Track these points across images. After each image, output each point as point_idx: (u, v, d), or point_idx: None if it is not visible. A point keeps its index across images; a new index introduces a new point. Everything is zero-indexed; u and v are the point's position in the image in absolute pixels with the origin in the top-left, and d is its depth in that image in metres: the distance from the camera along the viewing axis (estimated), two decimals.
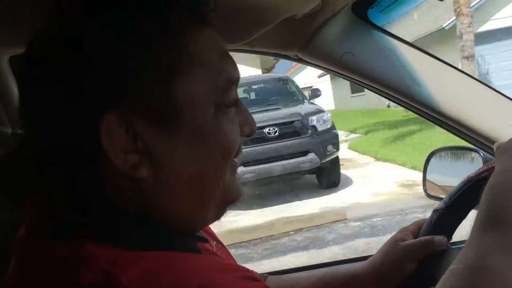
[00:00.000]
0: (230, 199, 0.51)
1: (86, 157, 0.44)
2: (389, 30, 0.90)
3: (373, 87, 0.90)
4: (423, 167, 0.98)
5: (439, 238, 0.72)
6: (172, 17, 0.45)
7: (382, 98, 0.98)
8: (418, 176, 5.68)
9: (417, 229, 0.77)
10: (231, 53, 0.52)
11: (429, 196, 0.97)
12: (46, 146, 0.45)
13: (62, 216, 0.44)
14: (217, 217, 0.51)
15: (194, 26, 0.47)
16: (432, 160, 0.98)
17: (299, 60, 0.92)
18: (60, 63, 0.43)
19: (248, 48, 0.87)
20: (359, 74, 0.88)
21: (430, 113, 0.89)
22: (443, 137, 6.99)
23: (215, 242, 0.63)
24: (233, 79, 0.48)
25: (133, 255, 0.41)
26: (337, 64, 0.88)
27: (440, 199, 1.02)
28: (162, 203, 0.46)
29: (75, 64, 0.42)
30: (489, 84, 0.90)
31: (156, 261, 0.42)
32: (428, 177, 0.98)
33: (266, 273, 0.86)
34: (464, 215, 0.73)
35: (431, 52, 0.90)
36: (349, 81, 0.92)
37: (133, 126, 0.43)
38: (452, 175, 0.91)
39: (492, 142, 0.80)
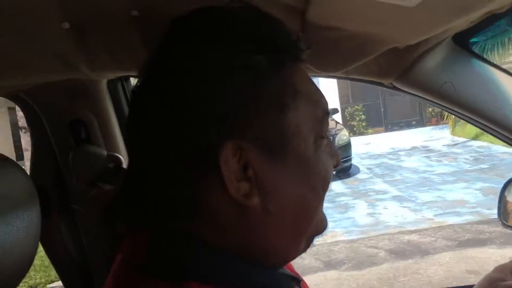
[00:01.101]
0: (320, 230, 0.51)
1: (197, 191, 0.44)
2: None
3: (474, 119, 0.86)
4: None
5: None
6: (279, 53, 0.47)
7: None
8: None
9: None
10: None
11: (506, 226, 0.90)
12: (160, 178, 0.45)
13: (166, 254, 0.44)
14: (306, 248, 0.51)
15: (293, 61, 0.48)
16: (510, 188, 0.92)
17: (394, 88, 0.89)
18: (184, 97, 0.44)
19: (343, 75, 0.86)
20: (459, 105, 0.84)
21: None
22: None
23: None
24: (327, 111, 0.50)
25: None
26: (436, 94, 0.85)
27: None
28: (265, 232, 0.46)
29: (198, 98, 0.43)
30: None
31: None
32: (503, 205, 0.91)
33: None
34: None
35: None
36: (449, 112, 0.88)
37: (246, 155, 0.43)
38: None
39: None
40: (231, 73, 0.44)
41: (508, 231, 0.92)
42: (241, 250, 0.45)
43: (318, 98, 0.49)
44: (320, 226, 0.51)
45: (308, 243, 0.50)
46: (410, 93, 0.89)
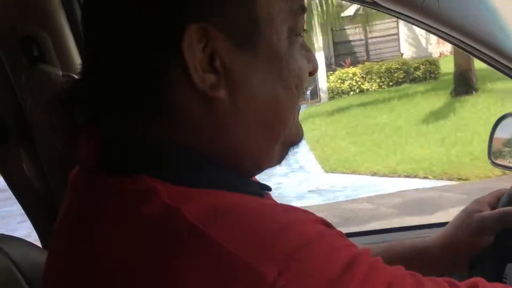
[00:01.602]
0: (295, 139, 0.49)
1: (159, 78, 0.41)
2: None
3: (456, 38, 0.80)
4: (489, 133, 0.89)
5: None
6: None
7: None
8: None
9: (495, 199, 0.71)
10: None
11: (495, 164, 0.88)
12: (117, 66, 0.42)
13: (119, 149, 0.42)
14: (281, 159, 0.48)
15: None
16: (502, 125, 0.88)
17: (375, 5, 0.82)
18: None
19: None
20: (441, 23, 0.79)
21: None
22: None
23: None
24: (304, 7, 0.47)
25: (196, 191, 0.39)
26: (417, 10, 0.78)
27: (509, 168, 0.93)
28: (234, 131, 0.43)
29: None
30: None
31: (223, 198, 0.38)
32: (495, 143, 0.89)
33: None
34: None
35: None
36: (429, 31, 0.82)
37: (213, 42, 0.40)
38: None
39: None
40: None
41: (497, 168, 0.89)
42: (210, 151, 0.42)
43: None
44: (296, 135, 0.48)
45: (283, 152, 0.48)
46: (391, 10, 0.82)
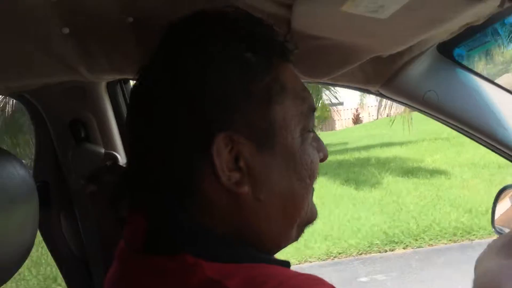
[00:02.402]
0: (310, 219, 0.55)
1: (194, 179, 0.47)
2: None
3: (457, 126, 0.89)
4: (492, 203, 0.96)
5: None
6: (269, 51, 0.50)
7: None
8: None
9: None
10: None
11: (498, 232, 0.93)
12: (160, 164, 0.49)
13: (162, 232, 0.47)
14: (297, 237, 0.54)
15: (282, 60, 0.52)
16: (503, 195, 0.95)
17: (381, 95, 0.93)
18: (183, 94, 0.48)
19: (330, 82, 0.89)
20: (442, 113, 0.88)
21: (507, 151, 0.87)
22: None
23: None
24: (313, 107, 0.54)
25: (232, 266, 0.44)
26: (419, 102, 0.88)
27: None
28: (257, 220, 0.49)
29: (196, 94, 0.47)
30: None
31: (256, 270, 0.44)
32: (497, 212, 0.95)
33: None
34: None
35: None
36: (433, 118, 0.91)
37: (237, 146, 0.47)
38: None
39: None
40: (226, 68, 0.48)
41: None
42: (236, 236, 0.48)
43: (304, 95, 0.52)
44: (310, 216, 0.55)
45: (300, 231, 0.54)
46: (396, 100, 0.92)
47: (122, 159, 0.94)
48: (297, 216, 0.52)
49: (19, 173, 0.61)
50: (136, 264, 0.49)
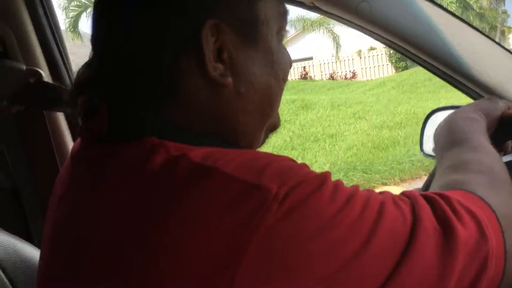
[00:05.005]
0: (276, 125, 0.57)
1: (173, 65, 0.46)
2: None
3: (389, 40, 0.87)
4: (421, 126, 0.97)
5: None
6: None
7: None
8: None
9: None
10: None
11: (426, 155, 0.96)
12: (136, 52, 0.47)
13: (127, 122, 0.47)
14: (263, 142, 0.56)
15: None
16: (432, 119, 0.96)
17: (314, 8, 0.89)
18: None
19: None
20: (375, 25, 0.86)
21: (446, 70, 0.87)
22: None
23: None
24: (287, 9, 0.55)
25: (198, 147, 0.44)
26: (352, 13, 0.85)
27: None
28: (235, 115, 0.49)
29: None
30: None
31: (221, 148, 0.44)
32: (426, 136, 0.97)
33: None
34: None
35: None
36: (364, 33, 0.90)
37: (222, 37, 0.47)
38: None
39: None
40: None
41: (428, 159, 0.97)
42: (214, 132, 0.48)
43: None
44: (277, 121, 0.56)
45: (265, 137, 0.56)
46: (329, 13, 0.89)
47: (46, 75, 0.90)
48: (271, 115, 0.53)
49: None
50: (93, 152, 0.48)
